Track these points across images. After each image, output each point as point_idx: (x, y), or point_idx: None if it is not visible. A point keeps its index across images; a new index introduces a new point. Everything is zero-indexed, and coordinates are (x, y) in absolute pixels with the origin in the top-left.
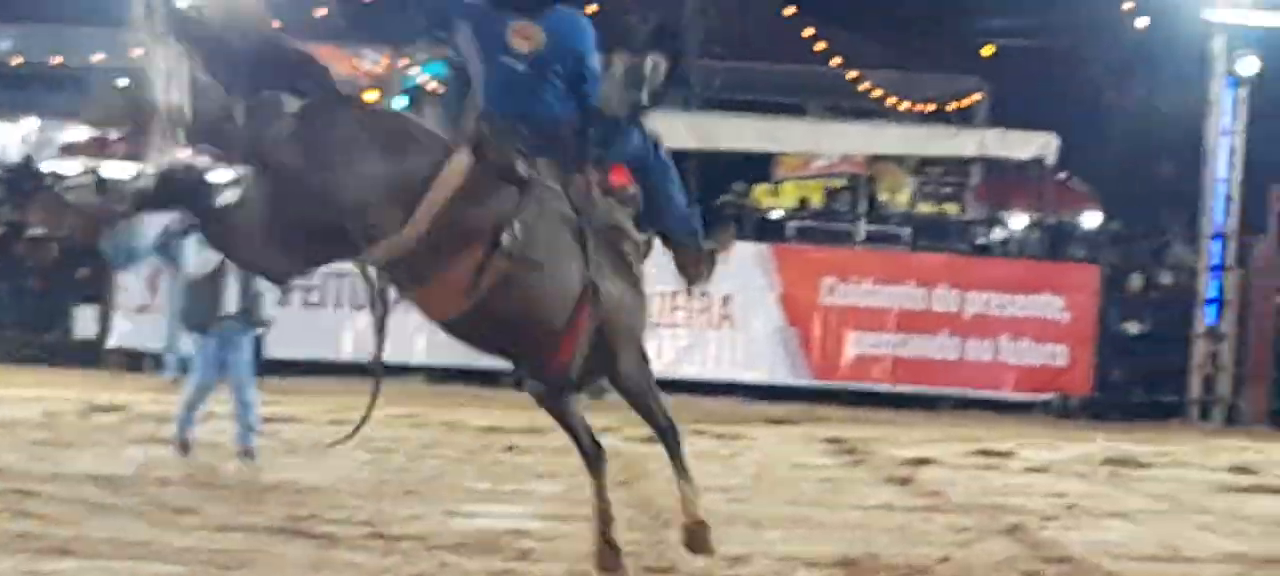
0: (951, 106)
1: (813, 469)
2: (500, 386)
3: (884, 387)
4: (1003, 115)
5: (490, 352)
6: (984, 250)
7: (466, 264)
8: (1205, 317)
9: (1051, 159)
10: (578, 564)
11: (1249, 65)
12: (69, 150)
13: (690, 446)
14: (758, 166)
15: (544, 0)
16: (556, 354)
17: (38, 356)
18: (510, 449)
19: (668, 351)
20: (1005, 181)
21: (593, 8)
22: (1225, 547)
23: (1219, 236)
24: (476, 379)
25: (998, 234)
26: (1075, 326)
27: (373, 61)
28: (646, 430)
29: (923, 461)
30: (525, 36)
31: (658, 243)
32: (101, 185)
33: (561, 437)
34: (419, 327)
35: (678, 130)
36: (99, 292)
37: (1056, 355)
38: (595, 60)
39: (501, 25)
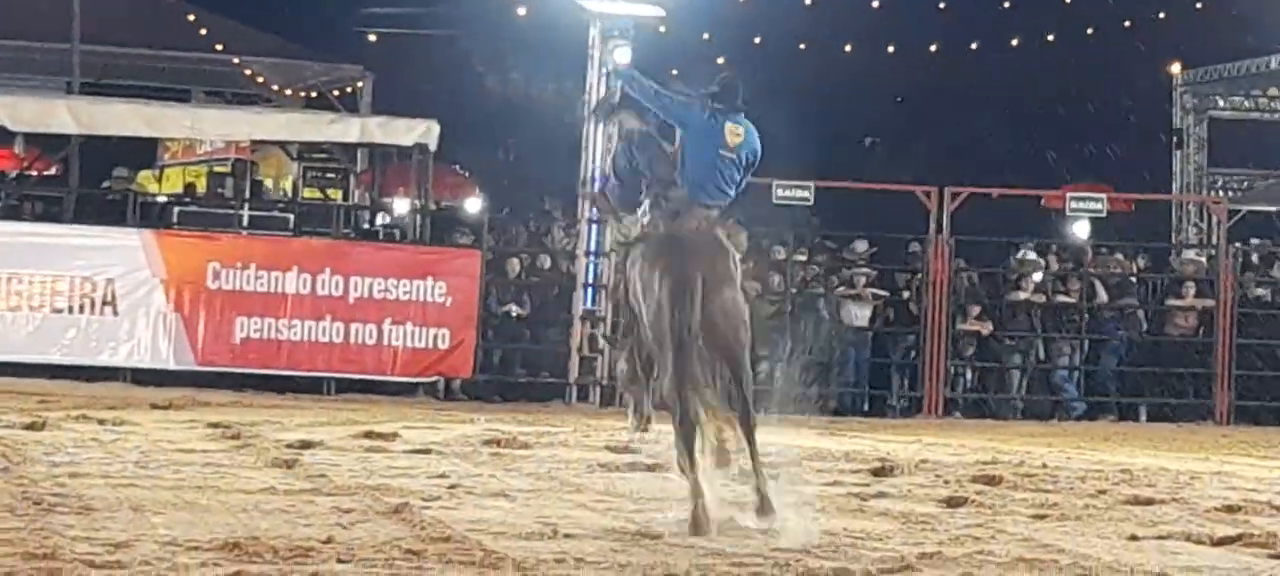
0: (335, 93)
1: (197, 453)
2: None
3: (269, 371)
4: (386, 102)
5: None
6: (368, 236)
7: None
8: (583, 300)
9: (433, 145)
10: None
11: (623, 55)
12: None
13: (74, 432)
14: (142, 152)
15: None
16: None
17: None
18: None
19: (50, 336)
20: (388, 167)
21: None
22: (602, 523)
23: (596, 222)
24: None
25: (381, 219)
26: (457, 310)
27: None
28: (29, 419)
29: (307, 445)
30: (736, 134)
31: None
32: None
33: None
34: None
35: (60, 115)
36: None
37: (439, 338)
38: None
39: (719, 125)
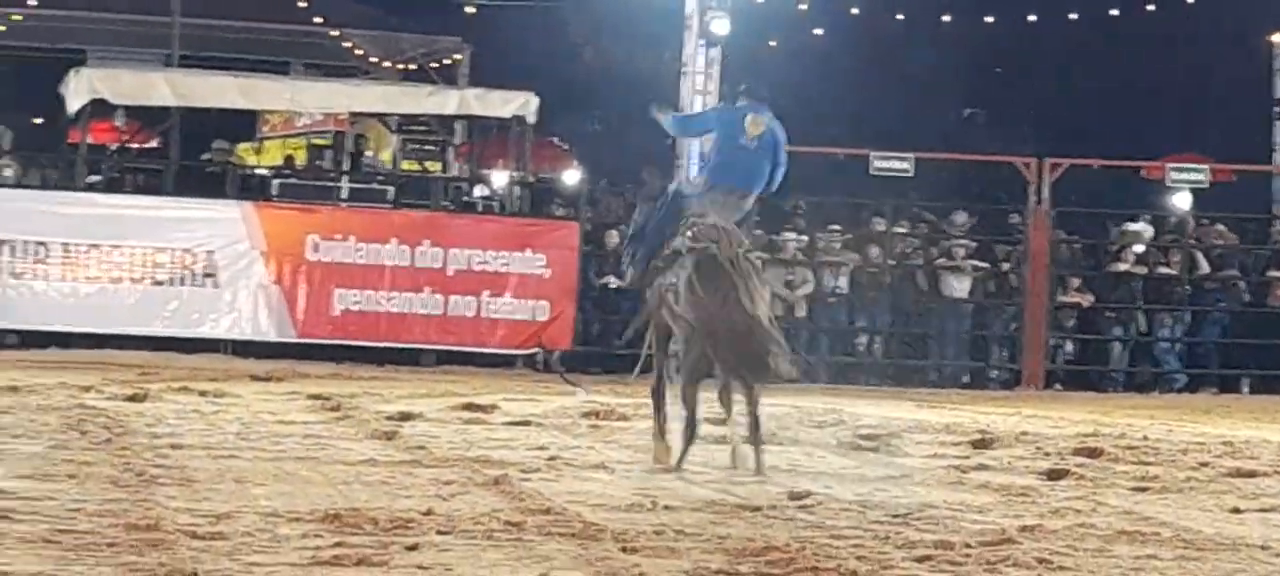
0: (434, 65)
1: (298, 425)
2: None
3: (368, 343)
4: (484, 74)
5: None
6: (467, 207)
7: None
8: None
9: (532, 117)
10: (59, 523)
11: (721, 25)
12: None
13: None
14: (241, 125)
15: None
16: None
17: None
18: None
19: (151, 309)
20: (487, 140)
21: None
22: (701, 495)
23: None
24: None
25: (480, 192)
26: (556, 282)
27: None
28: (131, 391)
29: (407, 416)
30: (757, 125)
31: None
32: None
33: (40, 398)
34: None
35: (160, 88)
36: None
37: (538, 310)
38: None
39: (740, 117)
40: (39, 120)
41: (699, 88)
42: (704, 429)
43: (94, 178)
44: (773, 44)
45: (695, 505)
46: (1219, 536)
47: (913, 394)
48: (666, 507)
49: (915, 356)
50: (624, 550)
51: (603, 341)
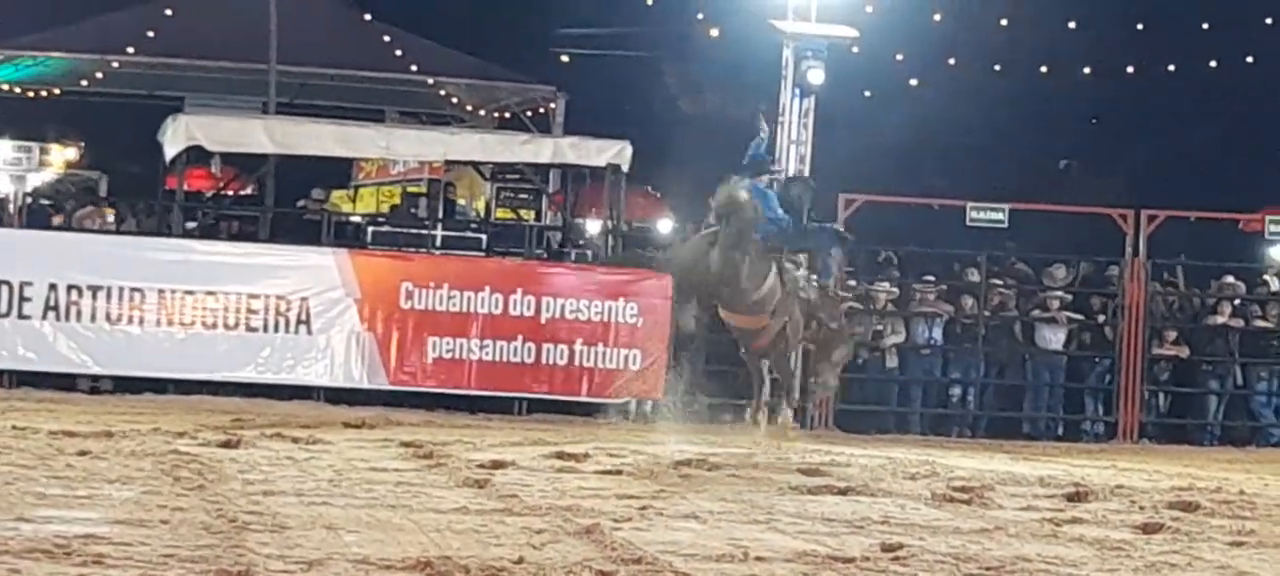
0: (528, 114)
1: (390, 472)
2: (72, 392)
3: (461, 392)
4: (579, 123)
5: None
6: (560, 256)
7: None
8: None
9: (626, 165)
10: (152, 568)
11: (817, 75)
12: None
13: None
14: (336, 172)
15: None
16: None
17: None
18: (82, 454)
19: (245, 355)
20: (581, 188)
21: None
22: (793, 546)
23: None
24: (48, 383)
25: (575, 240)
26: (649, 331)
27: None
28: (225, 437)
29: (499, 465)
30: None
31: None
32: None
33: (134, 444)
34: None
35: (256, 135)
36: None
37: (631, 359)
38: None
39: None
40: (137, 167)
41: (793, 137)
42: (797, 479)
43: (190, 224)
44: (867, 94)
45: (787, 556)
46: None
47: (1007, 446)
48: (758, 558)
49: (1009, 408)
50: None
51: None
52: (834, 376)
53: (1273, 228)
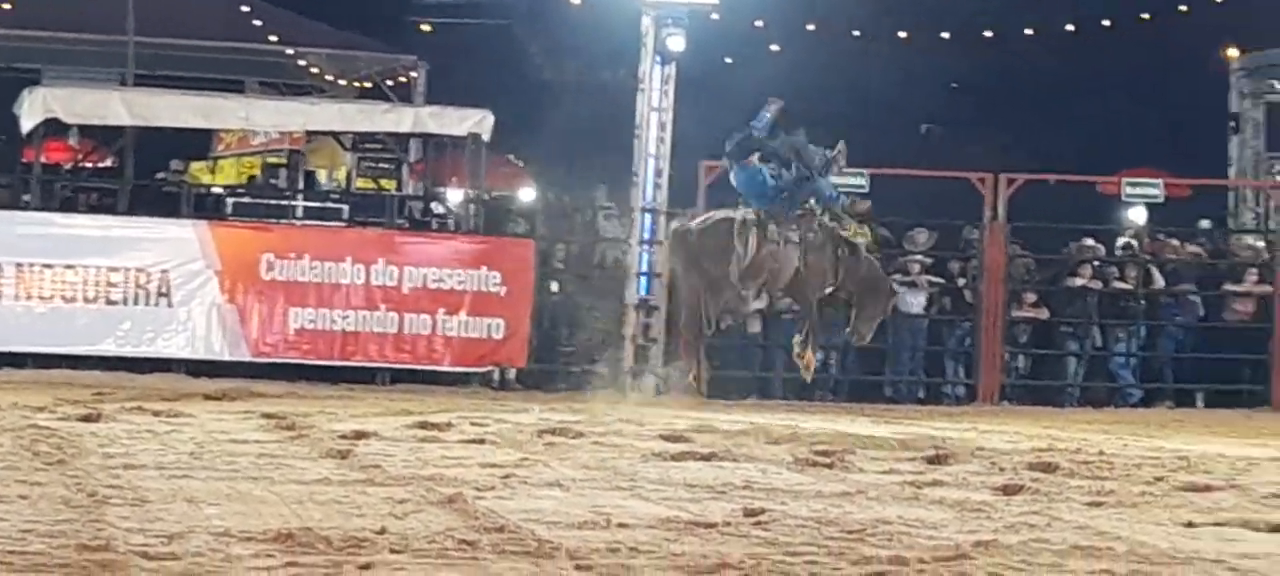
0: (389, 83)
1: (251, 444)
2: None
3: (323, 362)
4: (440, 92)
5: None
6: (422, 226)
7: None
8: (637, 289)
9: (487, 135)
10: (10, 543)
11: (677, 43)
12: None
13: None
14: (196, 143)
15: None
16: None
17: None
18: None
19: (105, 328)
20: (442, 157)
21: None
22: (656, 513)
23: (649, 210)
24: None
25: (435, 209)
26: (512, 300)
27: None
28: (84, 410)
29: (361, 435)
30: None
31: None
32: None
33: None
34: None
35: (114, 107)
36: None
37: (494, 328)
38: None
39: None
40: None
41: (655, 104)
42: (660, 446)
43: (48, 197)
44: (729, 61)
45: (650, 522)
46: (1173, 551)
47: (868, 409)
48: (621, 525)
49: (871, 372)
50: (578, 568)
51: (557, 360)
52: (869, 329)
53: (1129, 190)
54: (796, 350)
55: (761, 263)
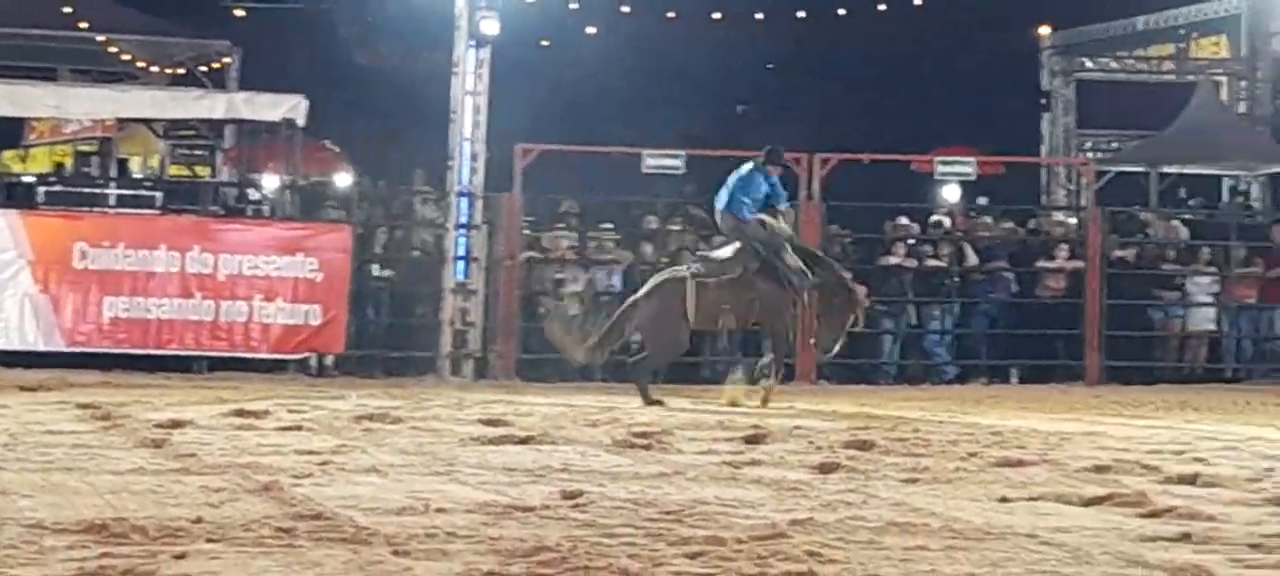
0: (203, 69)
1: (66, 434)
2: None
3: (138, 351)
4: (255, 78)
5: None
6: (237, 212)
7: None
8: (454, 274)
9: (301, 120)
10: None
11: (491, 26)
12: None
13: None
14: (7, 132)
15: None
16: None
17: None
18: None
19: None
20: (257, 144)
21: None
22: (474, 497)
23: (465, 194)
24: None
25: (251, 196)
26: (328, 286)
27: None
28: None
29: (177, 424)
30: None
31: None
32: None
33: None
34: None
35: None
36: None
37: (310, 315)
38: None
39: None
40: None
41: (469, 88)
42: (478, 430)
43: None
44: (545, 44)
45: (468, 507)
46: (987, 526)
47: (687, 391)
48: (439, 510)
49: (690, 353)
50: (395, 553)
51: (376, 344)
52: (833, 341)
53: (942, 168)
54: (759, 381)
55: (712, 310)
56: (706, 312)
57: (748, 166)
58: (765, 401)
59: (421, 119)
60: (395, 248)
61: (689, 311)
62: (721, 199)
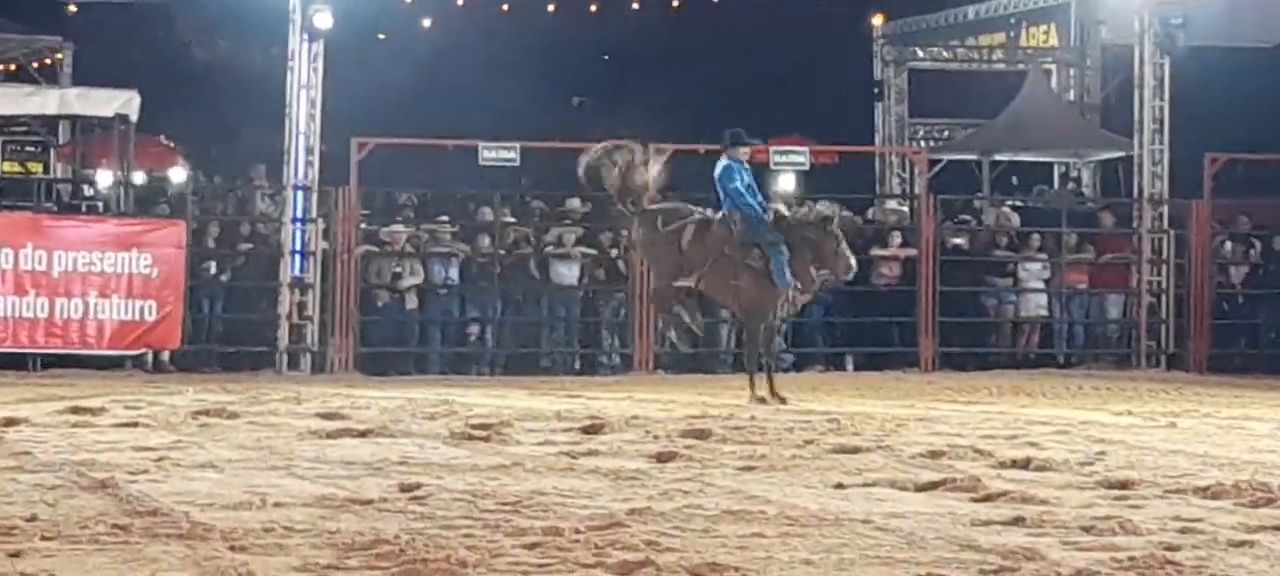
0: (35, 65)
1: None
2: None
3: None
4: (89, 73)
5: None
6: (71, 209)
7: None
8: (291, 268)
9: (134, 115)
10: None
11: (324, 19)
12: None
13: None
14: None
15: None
16: None
17: None
18: None
19: None
20: (91, 139)
21: None
22: (312, 491)
23: (301, 188)
24: None
25: (85, 192)
26: (164, 281)
27: None
28: None
29: (11, 422)
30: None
31: None
32: None
33: None
34: None
35: None
36: None
37: (146, 311)
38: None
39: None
40: None
41: (304, 81)
42: (316, 424)
43: None
44: (382, 37)
45: (306, 501)
46: (823, 512)
47: (525, 382)
48: (276, 504)
49: (527, 344)
50: (232, 549)
51: (212, 340)
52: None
53: (776, 158)
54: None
55: (692, 255)
56: (693, 256)
57: (722, 162)
58: (771, 393)
59: (257, 113)
60: (231, 242)
61: (683, 242)
62: (723, 202)
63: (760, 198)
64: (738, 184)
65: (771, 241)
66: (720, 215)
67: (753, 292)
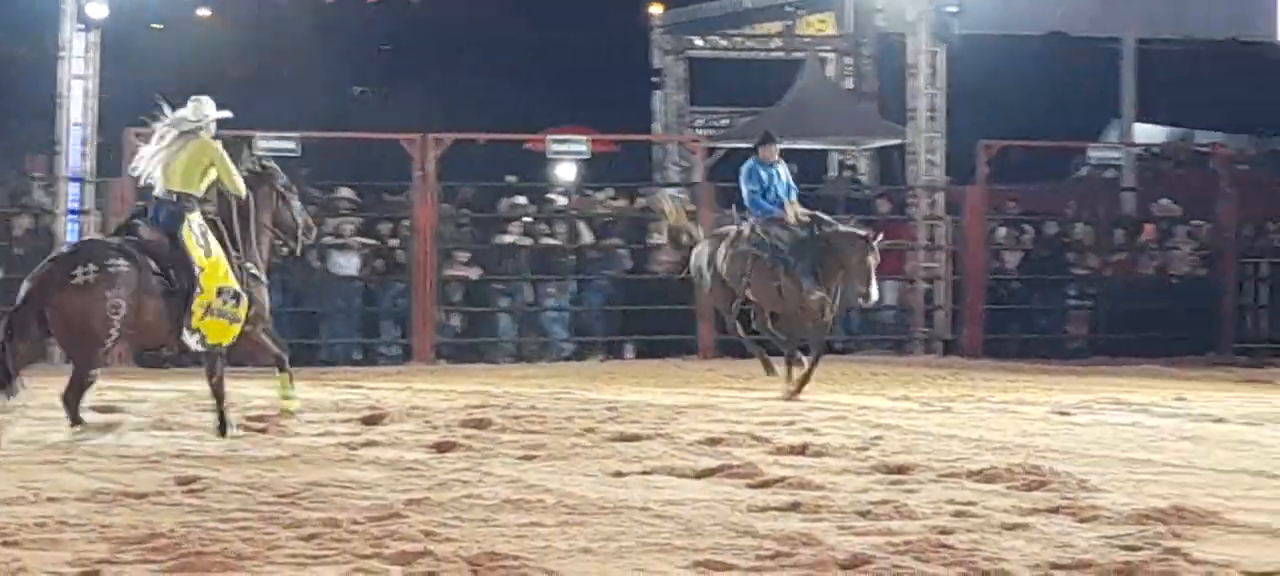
0: None
1: None
2: None
3: None
4: None
5: None
6: None
7: None
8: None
9: None
10: None
11: (98, 9)
12: None
13: None
14: None
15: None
16: None
17: None
18: None
19: None
20: None
21: None
22: (87, 485)
23: (76, 179)
24: None
25: None
26: None
27: None
28: None
29: None
30: None
31: None
32: None
33: None
34: None
35: None
36: None
37: None
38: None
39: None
40: None
41: (78, 72)
42: (91, 417)
43: None
44: (158, 27)
45: (80, 495)
46: (602, 500)
47: (304, 373)
48: (50, 498)
49: (306, 336)
50: (4, 544)
51: None
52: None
53: (554, 147)
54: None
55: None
56: (733, 272)
57: (747, 163)
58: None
59: (29, 105)
60: (4, 235)
61: (718, 262)
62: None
63: (778, 197)
64: (746, 187)
65: (774, 247)
66: (746, 226)
67: (794, 295)
